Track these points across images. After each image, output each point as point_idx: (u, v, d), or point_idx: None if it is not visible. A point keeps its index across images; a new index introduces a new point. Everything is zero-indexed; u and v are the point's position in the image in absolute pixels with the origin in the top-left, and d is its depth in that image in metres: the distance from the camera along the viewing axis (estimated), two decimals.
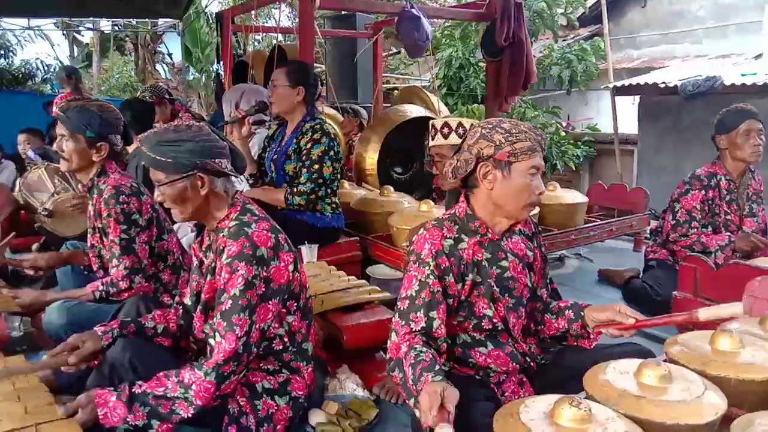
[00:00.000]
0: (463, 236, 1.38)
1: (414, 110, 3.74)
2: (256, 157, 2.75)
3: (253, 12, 4.77)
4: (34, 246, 2.81)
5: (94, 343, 1.45)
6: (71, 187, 2.89)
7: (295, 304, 1.49)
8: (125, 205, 1.82)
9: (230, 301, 1.35)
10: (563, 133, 6.26)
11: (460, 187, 1.45)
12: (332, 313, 1.90)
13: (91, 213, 1.93)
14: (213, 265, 1.46)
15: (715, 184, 2.56)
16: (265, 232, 1.41)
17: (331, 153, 2.46)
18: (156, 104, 3.48)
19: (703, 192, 2.54)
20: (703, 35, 6.98)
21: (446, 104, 5.67)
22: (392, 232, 2.74)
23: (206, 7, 7.49)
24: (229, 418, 1.41)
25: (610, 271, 3.11)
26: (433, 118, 2.73)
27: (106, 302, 1.82)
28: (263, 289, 1.37)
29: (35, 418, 1.24)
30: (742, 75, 4.69)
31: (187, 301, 1.58)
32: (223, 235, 1.42)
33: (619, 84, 5.55)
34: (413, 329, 1.27)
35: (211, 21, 7.65)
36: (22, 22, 7.34)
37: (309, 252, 2.42)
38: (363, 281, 2.17)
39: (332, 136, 2.52)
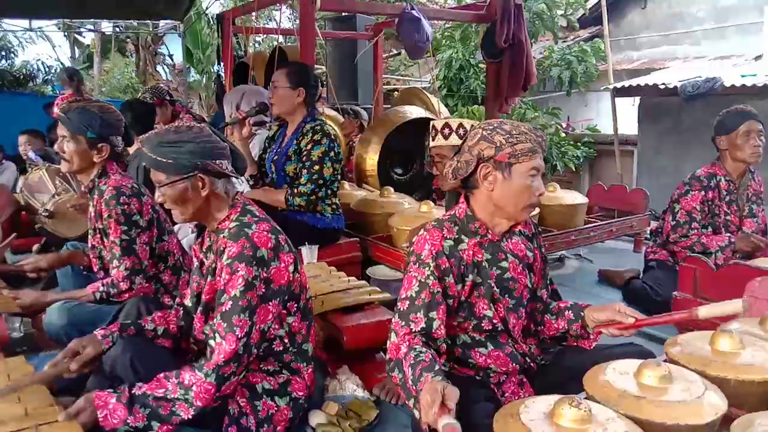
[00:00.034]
0: (463, 237, 1.38)
1: (414, 111, 3.74)
2: (256, 158, 2.76)
3: (253, 13, 4.78)
4: (35, 247, 2.81)
5: (94, 347, 1.45)
6: (72, 188, 2.90)
7: (296, 305, 1.49)
8: (126, 206, 1.82)
9: (230, 302, 1.35)
10: (563, 134, 6.26)
11: (460, 188, 1.45)
12: (332, 313, 1.90)
13: (92, 214, 1.93)
14: (213, 266, 1.46)
15: (715, 185, 2.56)
16: (265, 233, 1.41)
17: (332, 154, 2.47)
18: (157, 105, 3.49)
19: (702, 193, 2.54)
20: (703, 36, 6.99)
21: (446, 105, 5.68)
22: (392, 233, 2.74)
23: (207, 8, 7.50)
24: (230, 419, 1.41)
25: (610, 272, 3.11)
26: (433, 120, 2.73)
27: (107, 303, 1.82)
28: (263, 290, 1.38)
29: (36, 419, 1.24)
30: (742, 76, 4.70)
31: (188, 302, 1.58)
32: (224, 236, 1.42)
33: (619, 85, 5.55)
34: (413, 330, 1.27)
35: (211, 22, 7.66)
36: (24, 23, 7.36)
37: (309, 253, 2.42)
38: (363, 282, 2.17)
39: (332, 137, 2.52)
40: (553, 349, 1.51)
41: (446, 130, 2.09)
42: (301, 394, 1.50)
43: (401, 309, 1.31)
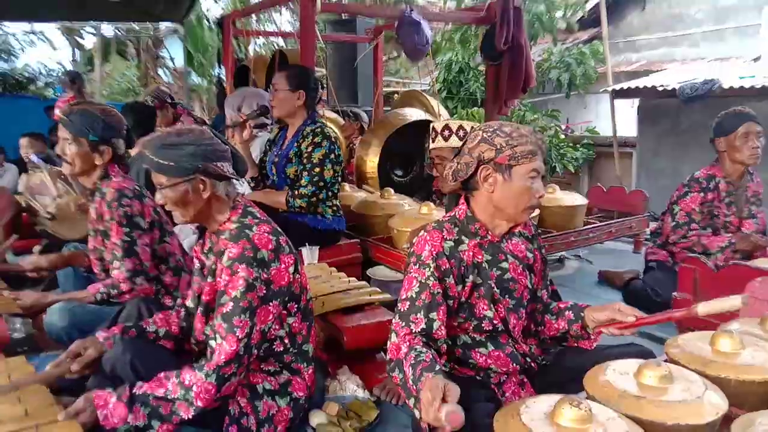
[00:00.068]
0: (463, 238, 1.38)
1: (414, 114, 3.76)
2: (257, 161, 2.77)
3: (254, 16, 4.80)
4: (36, 248, 2.82)
5: (96, 349, 1.46)
6: (73, 190, 2.90)
7: (296, 305, 1.49)
8: (128, 208, 1.82)
9: (231, 303, 1.36)
10: (562, 136, 6.27)
11: (460, 190, 1.46)
12: (333, 314, 1.91)
13: (93, 216, 1.93)
14: (214, 267, 1.46)
15: (714, 186, 2.57)
16: (266, 234, 1.41)
17: (332, 156, 2.47)
18: (158, 108, 3.50)
19: (702, 194, 2.55)
20: (702, 38, 7.01)
21: (446, 108, 5.69)
22: (393, 234, 2.75)
23: (208, 11, 7.53)
24: (230, 419, 1.41)
25: (610, 273, 3.12)
26: (433, 122, 2.74)
27: (108, 304, 1.83)
28: (264, 291, 1.38)
29: (36, 419, 1.24)
30: (741, 78, 4.71)
31: (189, 303, 1.59)
32: (224, 238, 1.43)
33: (618, 87, 5.56)
34: (413, 330, 1.28)
35: (212, 25, 7.68)
36: (24, 26, 7.38)
37: (310, 254, 2.43)
38: (363, 283, 2.17)
39: (333, 139, 2.53)
40: (554, 349, 1.52)
41: (446, 132, 2.10)
42: (301, 394, 1.50)
43: (402, 310, 1.32)
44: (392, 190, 3.16)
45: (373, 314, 1.92)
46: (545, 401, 1.00)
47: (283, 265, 1.42)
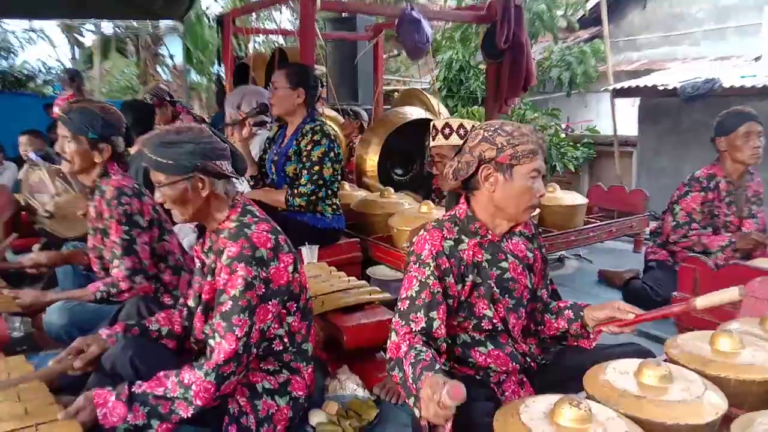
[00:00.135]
0: (463, 237, 1.38)
1: (414, 112, 3.75)
2: (256, 159, 2.76)
3: (253, 14, 4.79)
4: (35, 247, 2.81)
5: (98, 346, 1.46)
6: (72, 188, 2.90)
7: (295, 304, 1.49)
8: (127, 206, 1.82)
9: (230, 302, 1.35)
10: (563, 135, 6.27)
11: (460, 189, 1.45)
12: (332, 313, 1.90)
13: (92, 214, 1.93)
14: (213, 266, 1.46)
15: (715, 185, 2.56)
16: (264, 233, 1.41)
17: (332, 154, 2.47)
18: (157, 106, 3.49)
19: (702, 194, 2.55)
20: (703, 37, 7.00)
21: (446, 106, 5.68)
22: (392, 233, 2.75)
23: (207, 9, 7.51)
24: (230, 418, 1.41)
25: (610, 272, 3.12)
26: (433, 120, 2.73)
27: (107, 303, 1.83)
28: (263, 290, 1.38)
29: (35, 418, 1.24)
30: (742, 77, 4.70)
31: (191, 302, 1.59)
32: (224, 237, 1.43)
33: (618, 86, 5.56)
34: (413, 329, 1.27)
35: (211, 23, 7.67)
36: (24, 23, 7.37)
37: (309, 253, 2.43)
38: (363, 282, 2.17)
39: (332, 137, 2.52)
40: (553, 348, 1.52)
41: (447, 130, 2.09)
42: (301, 393, 1.50)
43: (401, 308, 1.32)
44: (392, 189, 3.16)
45: (373, 313, 1.92)
46: (545, 401, 1.00)
47: (282, 264, 1.42)
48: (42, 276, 2.40)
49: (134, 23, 8.16)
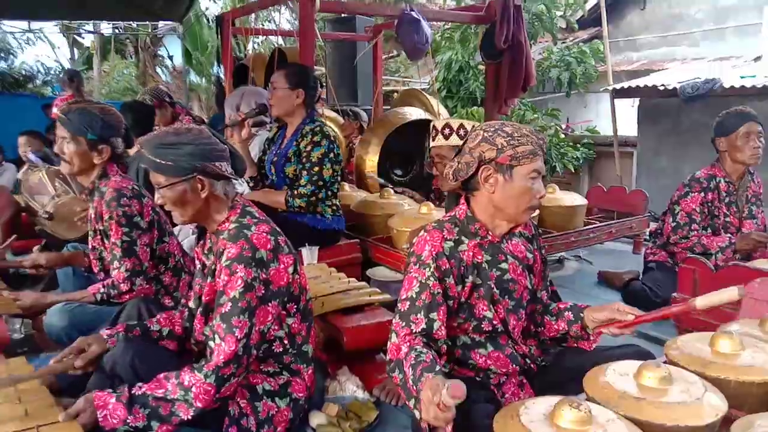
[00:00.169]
0: (463, 238, 1.38)
1: (414, 113, 3.75)
2: (256, 160, 2.76)
3: (253, 15, 4.79)
4: (35, 248, 2.80)
5: (99, 346, 1.46)
6: (72, 189, 2.90)
7: (295, 306, 1.49)
8: (127, 208, 1.82)
9: (230, 304, 1.35)
10: (562, 136, 6.27)
11: (460, 190, 1.45)
12: (332, 314, 1.90)
13: (92, 215, 1.93)
14: (213, 267, 1.46)
15: (715, 186, 2.57)
16: (264, 234, 1.41)
17: (331, 155, 2.47)
18: (156, 107, 3.49)
19: (702, 194, 2.55)
20: (702, 38, 7.01)
21: (446, 107, 5.69)
22: (392, 234, 2.75)
23: (207, 9, 7.51)
24: (230, 420, 1.41)
25: (610, 273, 3.12)
26: (432, 120, 2.74)
27: (107, 304, 1.83)
28: (263, 292, 1.38)
29: (36, 420, 1.24)
30: (741, 77, 4.70)
31: (191, 304, 1.59)
32: (223, 238, 1.43)
33: (618, 86, 5.56)
34: (413, 331, 1.27)
35: (211, 24, 7.67)
36: (23, 24, 7.36)
37: (309, 254, 2.42)
38: (363, 283, 2.17)
39: (332, 138, 2.52)
40: (553, 350, 1.52)
41: (447, 131, 2.09)
42: (301, 395, 1.50)
43: (402, 310, 1.32)
44: (392, 190, 3.16)
45: (373, 315, 1.92)
46: (545, 402, 1.00)
47: (282, 266, 1.42)
48: (42, 278, 2.40)
49: (133, 24, 8.15)
